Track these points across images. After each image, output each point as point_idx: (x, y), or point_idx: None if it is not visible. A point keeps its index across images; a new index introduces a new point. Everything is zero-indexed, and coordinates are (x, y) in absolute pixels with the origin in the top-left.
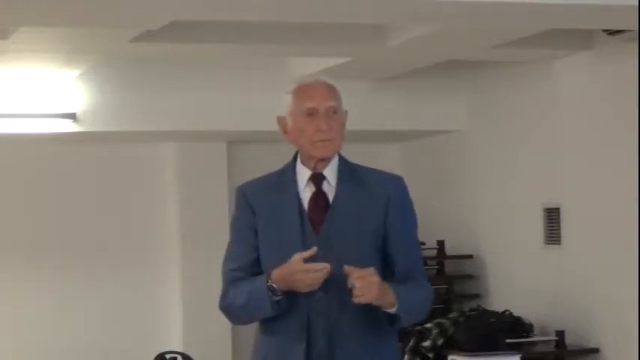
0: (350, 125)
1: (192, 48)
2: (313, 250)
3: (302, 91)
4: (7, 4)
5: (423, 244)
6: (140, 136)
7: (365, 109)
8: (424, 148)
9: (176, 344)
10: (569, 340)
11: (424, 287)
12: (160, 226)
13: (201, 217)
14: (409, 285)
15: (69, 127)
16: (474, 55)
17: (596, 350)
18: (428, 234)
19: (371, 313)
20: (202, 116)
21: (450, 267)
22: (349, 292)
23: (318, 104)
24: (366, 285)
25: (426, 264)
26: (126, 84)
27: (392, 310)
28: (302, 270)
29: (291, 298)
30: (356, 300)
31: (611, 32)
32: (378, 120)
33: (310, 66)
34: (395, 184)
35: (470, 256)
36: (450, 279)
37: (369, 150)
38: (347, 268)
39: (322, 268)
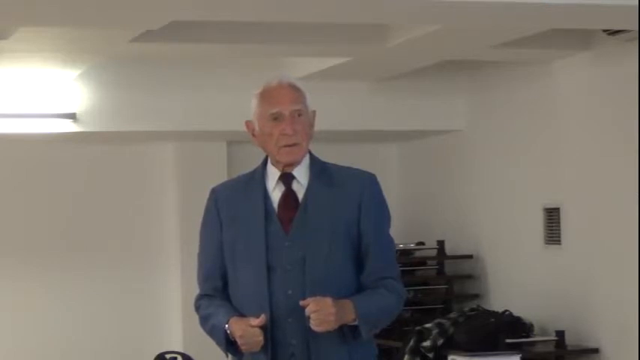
0: (350, 125)
1: (192, 48)
2: (262, 319)
3: (267, 94)
4: (7, 4)
5: (426, 243)
6: (140, 136)
7: (365, 109)
8: (424, 148)
9: (176, 344)
10: (569, 340)
11: (393, 291)
12: (159, 226)
13: (201, 217)
14: (376, 292)
15: (69, 127)
16: (473, 55)
17: (596, 350)
18: (428, 234)
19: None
20: (202, 116)
21: (450, 267)
22: (323, 293)
23: (283, 108)
24: (322, 317)
25: (425, 264)
26: (126, 84)
27: (353, 324)
28: (241, 334)
29: (258, 298)
30: (314, 329)
31: (611, 32)
32: (378, 120)
33: (310, 66)
34: (368, 183)
35: (470, 256)
36: (449, 279)
37: (369, 150)
38: (303, 302)
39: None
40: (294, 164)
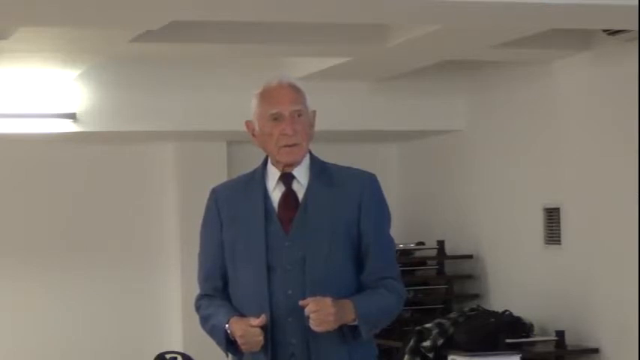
0: (350, 125)
1: (192, 48)
2: (263, 319)
3: (267, 95)
4: (7, 4)
5: (423, 243)
6: (140, 136)
7: (365, 109)
8: (424, 148)
9: (176, 344)
10: (569, 340)
11: (393, 291)
12: (160, 226)
13: (201, 217)
14: (376, 292)
15: (69, 127)
16: (474, 55)
17: (596, 350)
18: (428, 234)
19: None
20: (202, 116)
21: (450, 267)
22: (323, 293)
23: (283, 109)
24: (322, 317)
25: (425, 264)
26: (126, 84)
27: (353, 324)
28: (242, 333)
29: (258, 298)
30: (313, 329)
31: (611, 32)
32: (378, 120)
33: (310, 66)
34: (368, 183)
35: (470, 256)
36: (449, 279)
37: (369, 150)
38: (302, 302)
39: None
40: (294, 164)
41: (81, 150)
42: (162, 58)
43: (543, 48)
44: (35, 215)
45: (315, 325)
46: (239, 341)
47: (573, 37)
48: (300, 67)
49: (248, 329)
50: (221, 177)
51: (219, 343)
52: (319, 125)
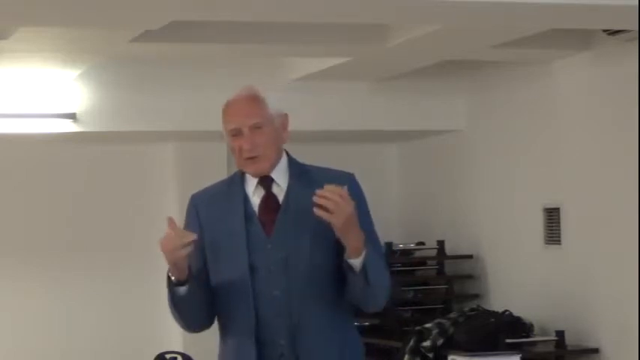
0: (350, 125)
1: (192, 48)
2: (193, 236)
3: (226, 110)
4: (7, 4)
5: (423, 244)
6: (140, 136)
7: (365, 109)
8: (424, 148)
9: (176, 344)
10: (569, 340)
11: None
12: (160, 226)
13: None
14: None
15: (69, 127)
16: (474, 55)
17: (596, 350)
18: (428, 234)
19: (332, 308)
20: (202, 116)
21: (450, 267)
22: (309, 293)
23: (240, 124)
24: (341, 206)
25: (425, 264)
26: (126, 84)
27: (357, 261)
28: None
29: (243, 299)
30: (321, 214)
31: (611, 32)
32: (378, 120)
33: (310, 66)
34: (347, 183)
35: (470, 256)
36: (449, 279)
37: (369, 150)
38: (320, 191)
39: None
40: (262, 174)
41: (81, 150)
42: (162, 58)
43: (543, 48)
44: (35, 215)
45: (331, 207)
46: (162, 250)
47: (573, 37)
48: (300, 67)
49: (169, 234)
50: (221, 177)
51: (169, 293)
52: (319, 125)
